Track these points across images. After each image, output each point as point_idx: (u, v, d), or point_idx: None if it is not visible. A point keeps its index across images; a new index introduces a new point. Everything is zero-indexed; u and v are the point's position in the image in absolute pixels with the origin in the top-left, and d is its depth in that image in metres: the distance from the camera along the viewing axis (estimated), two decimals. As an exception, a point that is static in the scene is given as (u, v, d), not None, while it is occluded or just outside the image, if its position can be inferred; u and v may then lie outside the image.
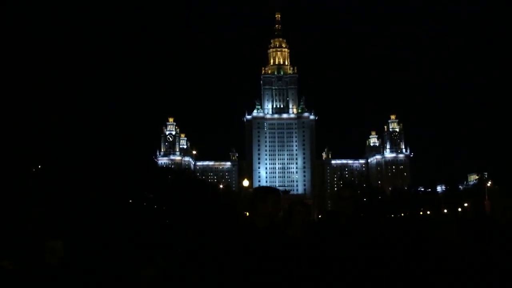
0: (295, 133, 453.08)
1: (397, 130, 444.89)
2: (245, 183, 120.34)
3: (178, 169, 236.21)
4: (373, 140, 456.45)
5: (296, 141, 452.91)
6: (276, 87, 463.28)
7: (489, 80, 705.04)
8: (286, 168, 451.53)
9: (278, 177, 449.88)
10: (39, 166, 72.37)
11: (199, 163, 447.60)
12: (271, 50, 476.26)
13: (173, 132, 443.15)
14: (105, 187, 74.37)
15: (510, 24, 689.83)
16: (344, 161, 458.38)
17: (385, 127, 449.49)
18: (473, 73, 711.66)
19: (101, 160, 79.81)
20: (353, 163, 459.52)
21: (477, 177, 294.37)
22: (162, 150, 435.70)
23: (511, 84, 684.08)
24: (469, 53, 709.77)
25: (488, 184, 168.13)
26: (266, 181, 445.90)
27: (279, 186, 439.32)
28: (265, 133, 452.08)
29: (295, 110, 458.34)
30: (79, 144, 75.71)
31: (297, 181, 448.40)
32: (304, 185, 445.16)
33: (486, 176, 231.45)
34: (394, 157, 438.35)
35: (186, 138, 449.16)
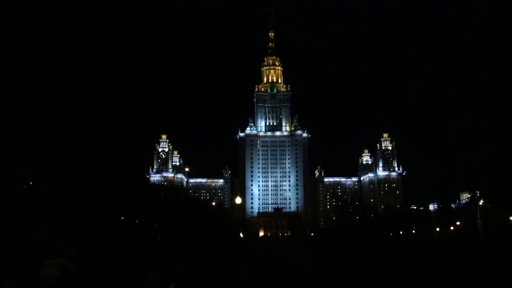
0: (288, 150, 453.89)
1: (390, 148, 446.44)
2: (238, 200, 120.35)
3: (171, 186, 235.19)
4: (366, 158, 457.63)
5: (289, 159, 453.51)
6: (269, 105, 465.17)
7: (481, 100, 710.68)
8: (278, 185, 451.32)
9: (271, 194, 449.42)
10: (31, 183, 72.01)
11: (191, 180, 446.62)
12: (264, 68, 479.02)
13: (166, 149, 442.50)
14: (97, 205, 74.01)
15: (506, 42, 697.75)
16: (336, 179, 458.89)
17: (378, 145, 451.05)
18: (466, 93, 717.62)
19: (94, 177, 79.55)
20: (345, 181, 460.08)
21: (469, 195, 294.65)
22: (155, 167, 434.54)
23: (504, 104, 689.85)
24: (462, 71, 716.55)
25: (480, 203, 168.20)
26: (259, 199, 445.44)
27: (272, 203, 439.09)
28: (258, 151, 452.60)
29: (288, 128, 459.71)
30: (71, 161, 75.48)
31: (289, 199, 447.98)
32: (297, 202, 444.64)
33: (478, 195, 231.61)
34: (387, 175, 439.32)
35: (179, 155, 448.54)
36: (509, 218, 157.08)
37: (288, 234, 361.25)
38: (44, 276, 10.15)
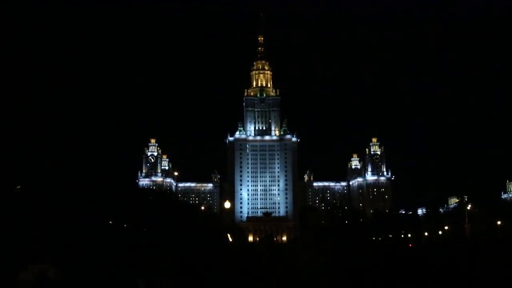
0: (277, 155, 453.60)
1: (379, 153, 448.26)
2: (227, 204, 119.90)
3: (160, 191, 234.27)
4: (355, 163, 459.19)
5: (278, 163, 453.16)
6: (258, 109, 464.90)
7: (469, 105, 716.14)
8: (268, 190, 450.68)
9: (260, 199, 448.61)
10: (18, 187, 71.35)
11: (180, 185, 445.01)
12: (253, 72, 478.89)
13: (155, 153, 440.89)
14: (85, 209, 73.39)
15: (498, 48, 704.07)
16: (326, 183, 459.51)
17: (367, 150, 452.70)
18: (455, 97, 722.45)
19: (82, 181, 78.95)
20: (335, 186, 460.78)
21: (457, 200, 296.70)
22: (144, 171, 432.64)
23: (490, 110, 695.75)
24: (450, 76, 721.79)
25: (468, 208, 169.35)
26: (248, 203, 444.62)
27: (261, 208, 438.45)
28: (247, 155, 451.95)
29: (277, 132, 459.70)
30: (59, 164, 74.88)
31: (279, 203, 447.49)
32: (286, 207, 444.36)
33: (466, 199, 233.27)
34: (376, 179, 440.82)
35: (168, 160, 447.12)
36: (496, 222, 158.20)
37: (281, 238, 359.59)
38: (21, 282, 9.74)
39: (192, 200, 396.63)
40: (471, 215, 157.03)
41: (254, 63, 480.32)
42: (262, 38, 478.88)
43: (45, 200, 65.15)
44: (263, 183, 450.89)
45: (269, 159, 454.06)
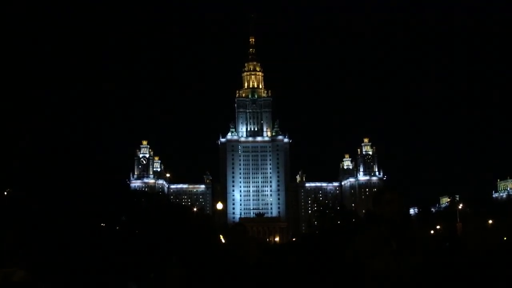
0: (269, 156, 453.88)
1: (370, 153, 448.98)
2: (219, 206, 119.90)
3: (152, 192, 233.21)
4: (347, 163, 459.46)
5: (270, 164, 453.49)
6: (250, 110, 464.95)
7: (461, 104, 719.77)
8: (260, 191, 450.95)
9: (253, 200, 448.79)
10: (6, 193, 70.77)
11: (173, 186, 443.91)
12: (245, 73, 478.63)
13: (147, 155, 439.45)
14: (76, 211, 72.93)
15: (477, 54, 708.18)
16: (318, 184, 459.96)
17: (359, 150, 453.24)
18: (444, 96, 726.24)
19: (72, 183, 78.49)
20: (327, 186, 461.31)
21: (449, 199, 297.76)
22: (136, 173, 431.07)
23: (481, 107, 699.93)
24: (440, 76, 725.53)
25: (460, 207, 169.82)
26: (241, 204, 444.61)
27: (253, 209, 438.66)
28: (239, 156, 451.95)
29: (269, 133, 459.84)
30: (49, 167, 74.40)
31: (271, 204, 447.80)
32: (279, 207, 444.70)
33: (457, 198, 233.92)
34: (368, 180, 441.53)
35: (159, 161, 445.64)
36: (487, 222, 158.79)
37: (273, 239, 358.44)
38: None
39: (184, 202, 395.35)
40: (463, 214, 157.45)
41: (246, 65, 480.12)
42: (254, 39, 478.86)
43: (31, 201, 64.59)
44: (255, 184, 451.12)
45: (261, 160, 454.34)
